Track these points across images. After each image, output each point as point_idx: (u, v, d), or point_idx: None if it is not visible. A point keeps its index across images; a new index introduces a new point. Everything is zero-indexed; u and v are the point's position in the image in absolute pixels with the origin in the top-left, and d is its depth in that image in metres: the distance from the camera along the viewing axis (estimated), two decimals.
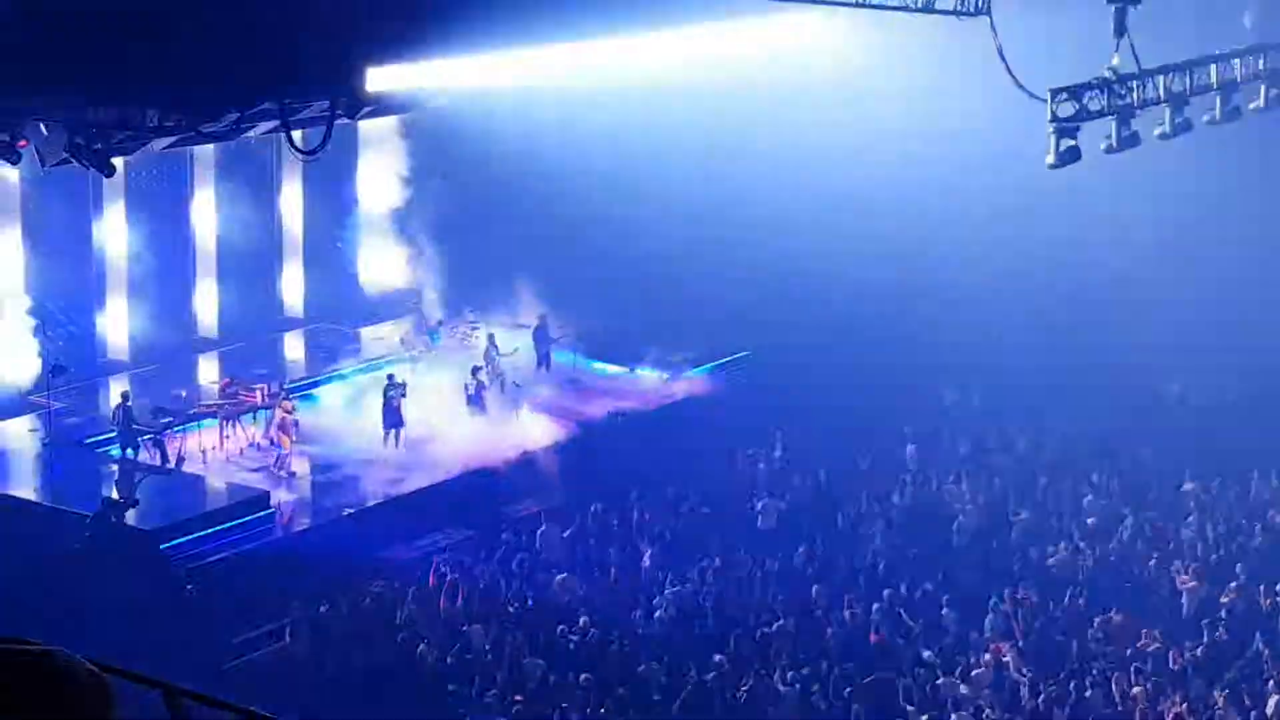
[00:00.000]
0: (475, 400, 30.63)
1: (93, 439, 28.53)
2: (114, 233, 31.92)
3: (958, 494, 29.10)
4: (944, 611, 24.40)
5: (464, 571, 25.22)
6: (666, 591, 24.71)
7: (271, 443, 29.00)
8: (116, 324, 32.29)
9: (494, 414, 30.63)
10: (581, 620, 23.65)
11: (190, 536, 25.10)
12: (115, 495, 25.92)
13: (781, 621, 23.91)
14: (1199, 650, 23.22)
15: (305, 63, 22.61)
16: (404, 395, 29.57)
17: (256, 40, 21.38)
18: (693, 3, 28.54)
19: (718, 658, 22.60)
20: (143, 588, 23.45)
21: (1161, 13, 21.88)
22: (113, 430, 27.96)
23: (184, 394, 30.41)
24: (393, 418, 29.40)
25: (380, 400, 29.65)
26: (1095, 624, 23.97)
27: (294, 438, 28.49)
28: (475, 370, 31.16)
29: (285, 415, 28.56)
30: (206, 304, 33.99)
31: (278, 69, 22.25)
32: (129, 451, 27.54)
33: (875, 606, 24.38)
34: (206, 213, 33.72)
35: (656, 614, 24.07)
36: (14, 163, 25.01)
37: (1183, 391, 34.19)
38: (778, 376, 32.75)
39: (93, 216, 31.52)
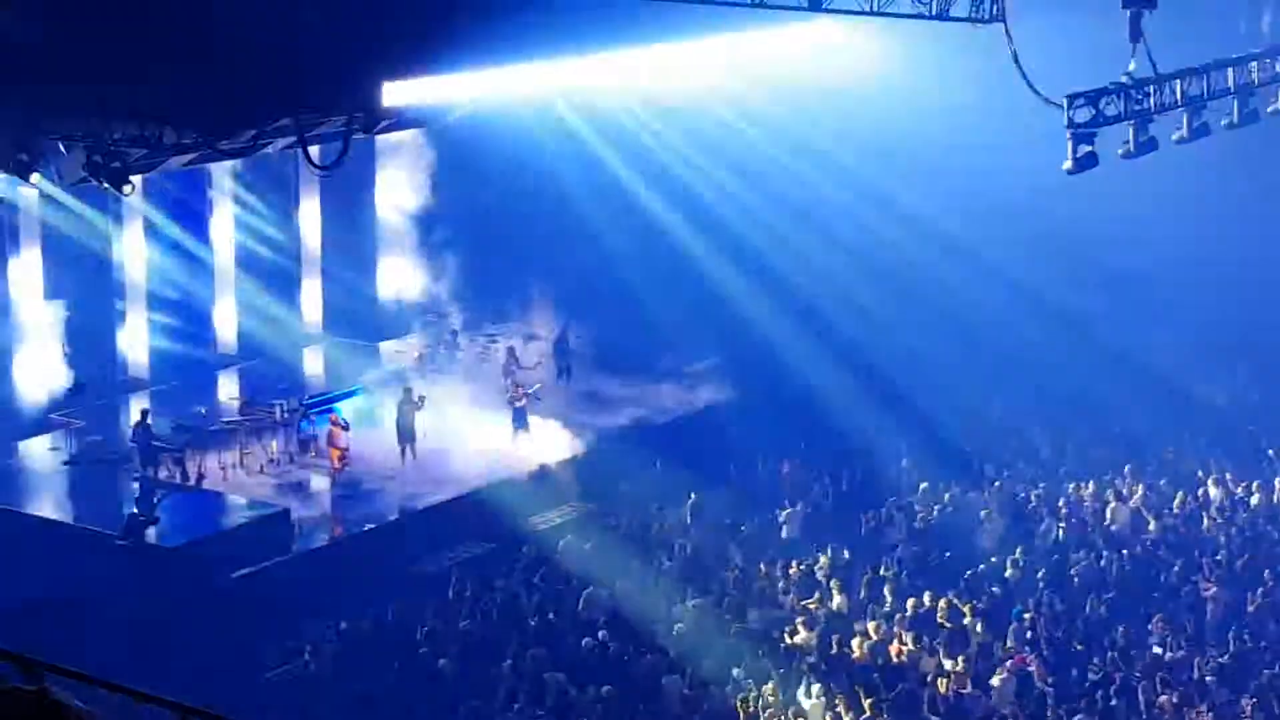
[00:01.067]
0: (518, 418, 30.52)
1: (113, 457, 28.55)
2: (133, 249, 31.97)
3: (980, 501, 28.97)
4: (967, 620, 24.29)
5: (484, 585, 25.17)
6: (688, 603, 24.62)
7: (292, 458, 29.13)
8: (136, 341, 32.33)
9: (517, 427, 30.58)
10: (602, 633, 23.58)
11: (211, 554, 25.10)
12: (136, 513, 25.92)
13: (804, 633, 23.84)
14: (1224, 658, 23.07)
15: (321, 78, 22.59)
16: (420, 408, 29.46)
17: (273, 56, 21.36)
18: (709, 16, 28.51)
19: (736, 670, 22.50)
20: (163, 606, 23.44)
21: (1177, 16, 21.78)
22: (133, 448, 28.01)
23: (204, 411, 30.44)
24: (406, 432, 29.33)
25: (395, 414, 29.62)
26: (1119, 633, 23.82)
27: (345, 452, 28.53)
28: (515, 386, 31.04)
29: (337, 429, 28.57)
30: (226, 320, 33.99)
31: (294, 85, 22.22)
32: (149, 469, 27.56)
33: (898, 616, 24.29)
34: (225, 228, 33.74)
35: (677, 626, 23.97)
36: (27, 180, 25.06)
37: (1208, 394, 34.00)
38: (799, 384, 32.64)
39: (112, 233, 31.55)
